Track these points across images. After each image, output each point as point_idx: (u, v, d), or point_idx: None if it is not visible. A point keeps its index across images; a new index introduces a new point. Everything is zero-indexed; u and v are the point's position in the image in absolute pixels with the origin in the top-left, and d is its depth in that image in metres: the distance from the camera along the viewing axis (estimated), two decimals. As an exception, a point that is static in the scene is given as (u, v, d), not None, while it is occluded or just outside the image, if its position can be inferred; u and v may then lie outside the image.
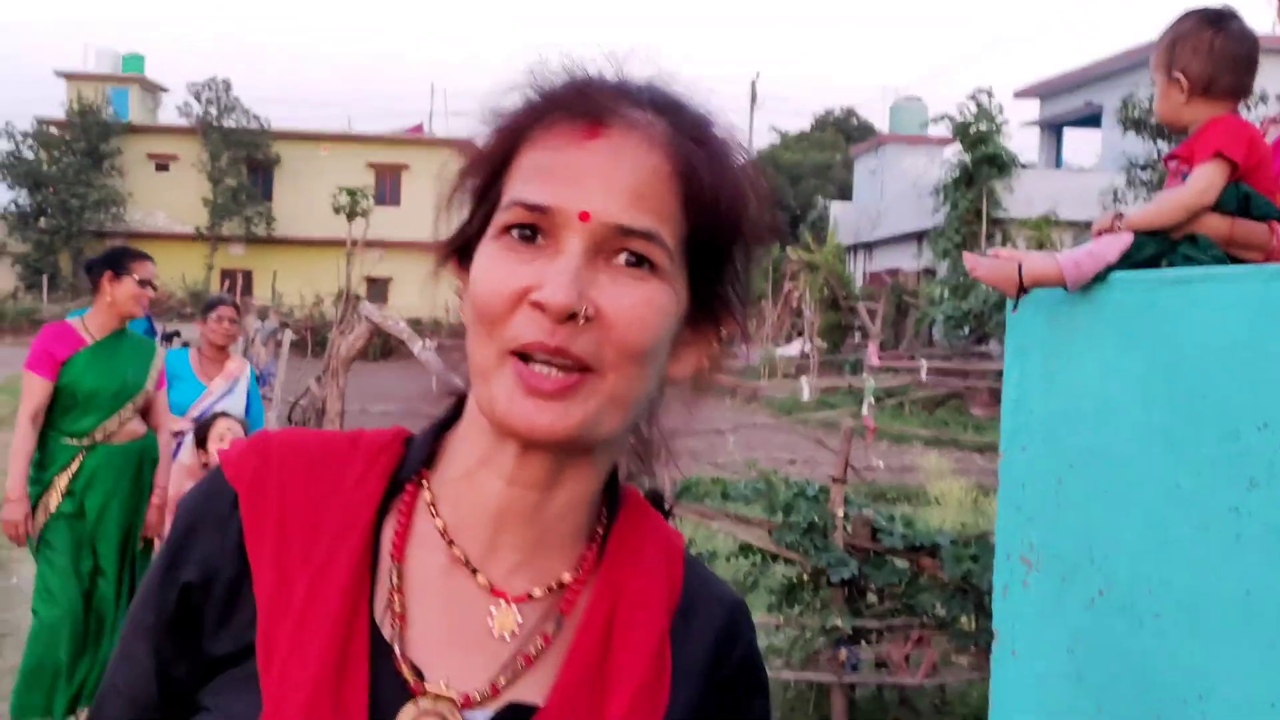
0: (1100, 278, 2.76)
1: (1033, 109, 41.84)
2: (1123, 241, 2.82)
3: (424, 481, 1.12)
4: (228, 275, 50.66)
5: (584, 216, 0.99)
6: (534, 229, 1.01)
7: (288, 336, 10.45)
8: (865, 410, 15.18)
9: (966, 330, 27.70)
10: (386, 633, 1.05)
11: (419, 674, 1.04)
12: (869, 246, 40.00)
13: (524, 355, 0.99)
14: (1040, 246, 26.39)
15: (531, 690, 1.05)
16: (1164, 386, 2.57)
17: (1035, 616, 2.82)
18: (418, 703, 1.02)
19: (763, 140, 56.70)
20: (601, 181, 0.99)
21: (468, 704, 1.03)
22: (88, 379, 5.64)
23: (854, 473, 13.67)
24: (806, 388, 15.49)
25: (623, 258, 1.00)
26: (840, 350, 31.85)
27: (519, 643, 1.07)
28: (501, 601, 1.07)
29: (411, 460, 1.13)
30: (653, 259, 1.01)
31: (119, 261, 5.79)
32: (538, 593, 1.09)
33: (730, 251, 1.08)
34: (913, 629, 6.16)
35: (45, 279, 47.09)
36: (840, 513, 6.16)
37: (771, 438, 16.72)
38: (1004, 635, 2.93)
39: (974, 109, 30.55)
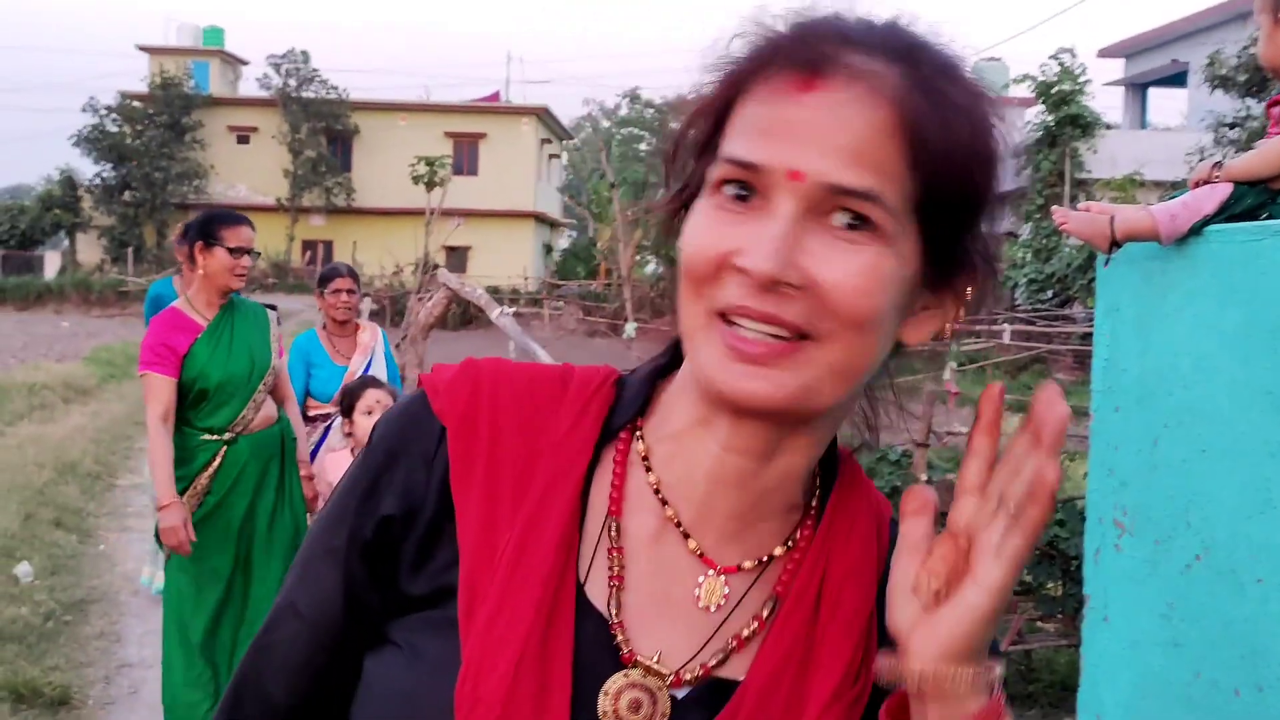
0: (1196, 230, 2.66)
1: (1116, 68, 41.08)
2: (1220, 192, 2.71)
3: (639, 432, 1.07)
4: (309, 246, 51.27)
5: (795, 175, 0.92)
6: (748, 187, 0.95)
7: (368, 305, 10.50)
8: (947, 375, 14.97)
9: (1050, 293, 27.33)
10: (595, 593, 1.01)
11: (628, 642, 1.00)
12: (949, 210, 39.46)
13: (729, 318, 0.93)
14: (1125, 207, 25.92)
15: (737, 668, 1.00)
16: (1264, 342, 2.47)
17: (1128, 581, 2.74)
18: (627, 673, 0.99)
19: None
20: (816, 137, 0.92)
21: (677, 683, 1.00)
22: (215, 369, 5.13)
23: (936, 438, 13.53)
24: (886, 352, 15.43)
25: (840, 219, 0.93)
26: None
27: (727, 618, 1.02)
28: (711, 570, 1.03)
29: (625, 407, 1.08)
30: (874, 220, 0.93)
31: (208, 229, 5.25)
32: (748, 564, 1.04)
33: (970, 211, 0.98)
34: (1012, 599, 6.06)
35: (130, 252, 47.85)
36: (923, 477, 6.08)
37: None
38: (1096, 601, 2.85)
39: (1057, 69, 30.02)
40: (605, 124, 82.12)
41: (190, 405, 5.12)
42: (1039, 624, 6.30)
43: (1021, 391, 20.13)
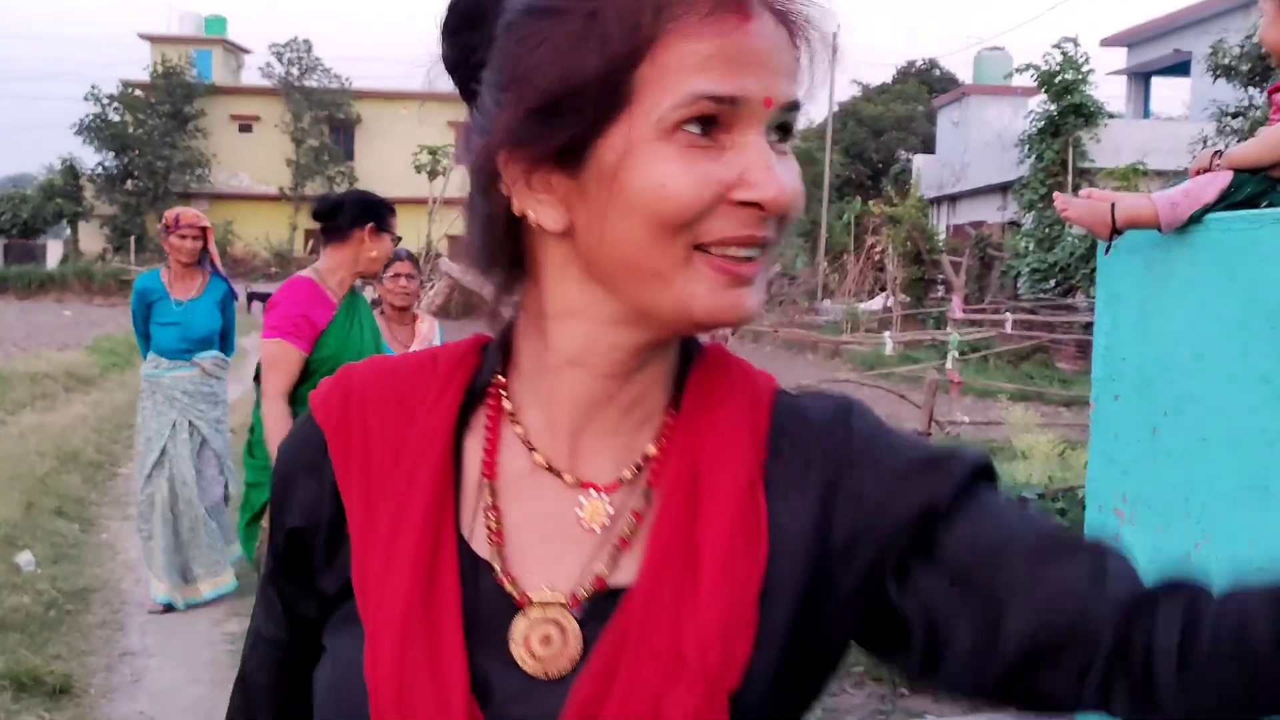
0: (1197, 219, 2.66)
1: (1119, 58, 40.96)
2: (1221, 180, 2.70)
3: (502, 390, 1.08)
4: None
5: (768, 102, 0.95)
6: (713, 122, 0.95)
7: (369, 293, 10.48)
8: (949, 364, 14.98)
9: (1052, 283, 27.28)
10: (481, 549, 1.02)
11: (520, 586, 1.01)
12: (952, 199, 39.42)
13: (706, 248, 0.95)
14: (1128, 197, 25.86)
15: (628, 572, 1.00)
16: (1263, 330, 2.46)
17: (1128, 569, 2.74)
18: (527, 614, 0.99)
19: (844, 93, 56.10)
20: (772, 63, 0.96)
21: (575, 603, 1.00)
22: (347, 351, 4.88)
23: (938, 427, 13.53)
24: (890, 342, 15.25)
25: (775, 134, 0.98)
26: (923, 304, 31.51)
27: (612, 528, 1.02)
28: (591, 491, 1.03)
29: (486, 368, 1.09)
30: (792, 127, 1.00)
31: (380, 213, 5.10)
32: (627, 474, 1.04)
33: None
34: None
35: (132, 241, 47.84)
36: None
37: (854, 393, 16.52)
38: (1095, 589, 2.86)
39: (1059, 58, 29.93)
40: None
41: (310, 384, 4.68)
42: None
43: (1023, 381, 20.12)
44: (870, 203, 37.66)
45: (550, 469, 1.04)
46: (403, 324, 6.32)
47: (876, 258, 34.29)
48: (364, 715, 0.97)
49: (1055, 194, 2.98)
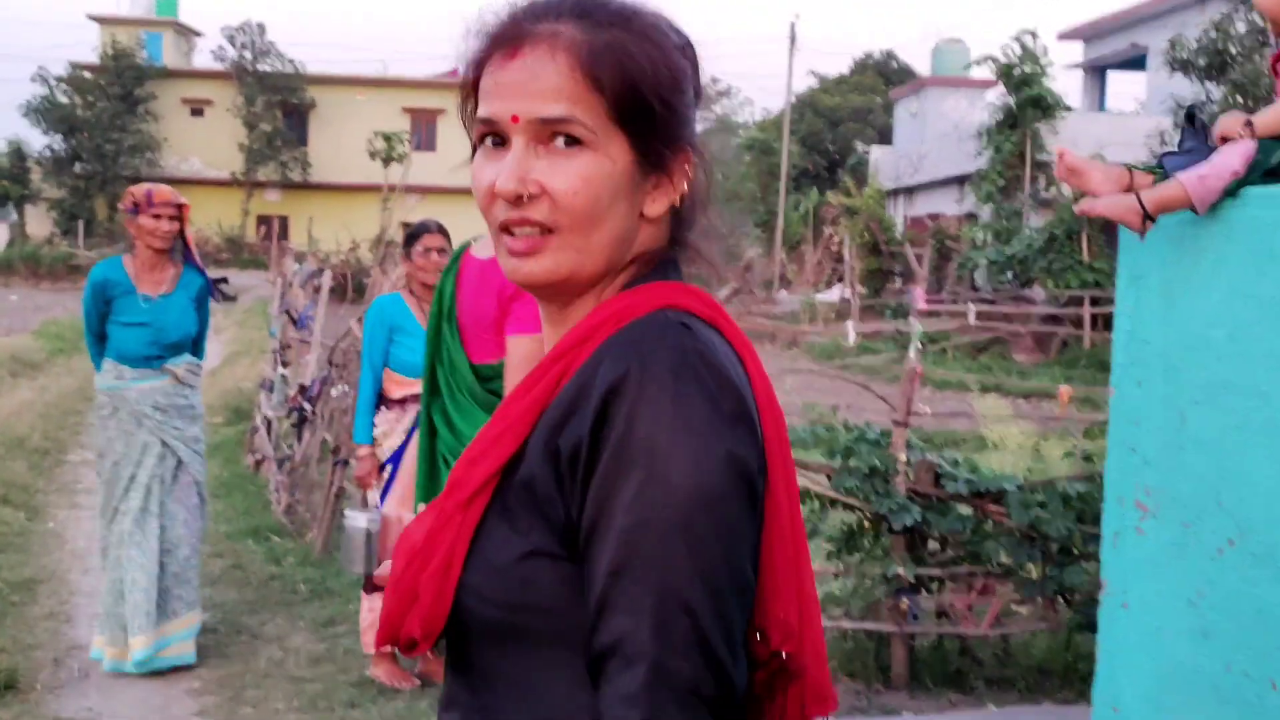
0: (1231, 192, 2.50)
1: (1075, 52, 41.06)
2: (1246, 149, 2.54)
3: None
4: (264, 221, 50.64)
5: (514, 119, 1.30)
6: (499, 137, 1.33)
7: (327, 279, 10.20)
8: (912, 355, 14.86)
9: (1010, 275, 27.27)
10: None
11: None
12: (909, 191, 39.35)
13: (507, 229, 1.33)
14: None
15: None
16: (1303, 313, 2.31)
17: (1151, 566, 2.58)
18: None
19: (801, 84, 55.89)
20: (521, 89, 1.30)
21: None
22: None
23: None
24: (853, 333, 15.11)
25: (559, 141, 1.30)
26: (880, 295, 31.45)
27: None
28: None
29: None
30: (579, 136, 1.29)
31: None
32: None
33: (663, 109, 1.32)
34: (976, 578, 5.93)
35: (81, 225, 47.08)
36: (903, 457, 5.91)
37: (813, 383, 16.42)
38: (1114, 586, 2.69)
39: (1019, 50, 29.92)
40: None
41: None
42: (1016, 607, 6.17)
43: (982, 372, 20.09)
44: (828, 193, 37.59)
45: None
46: (427, 302, 5.58)
47: (834, 249, 34.21)
48: None
49: (1082, 202, 2.77)
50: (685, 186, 1.37)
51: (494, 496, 1.28)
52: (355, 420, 5.90)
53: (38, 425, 12.24)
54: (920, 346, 15.36)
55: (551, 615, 1.24)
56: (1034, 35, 30.15)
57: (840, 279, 32.37)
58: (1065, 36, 40.24)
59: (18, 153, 50.27)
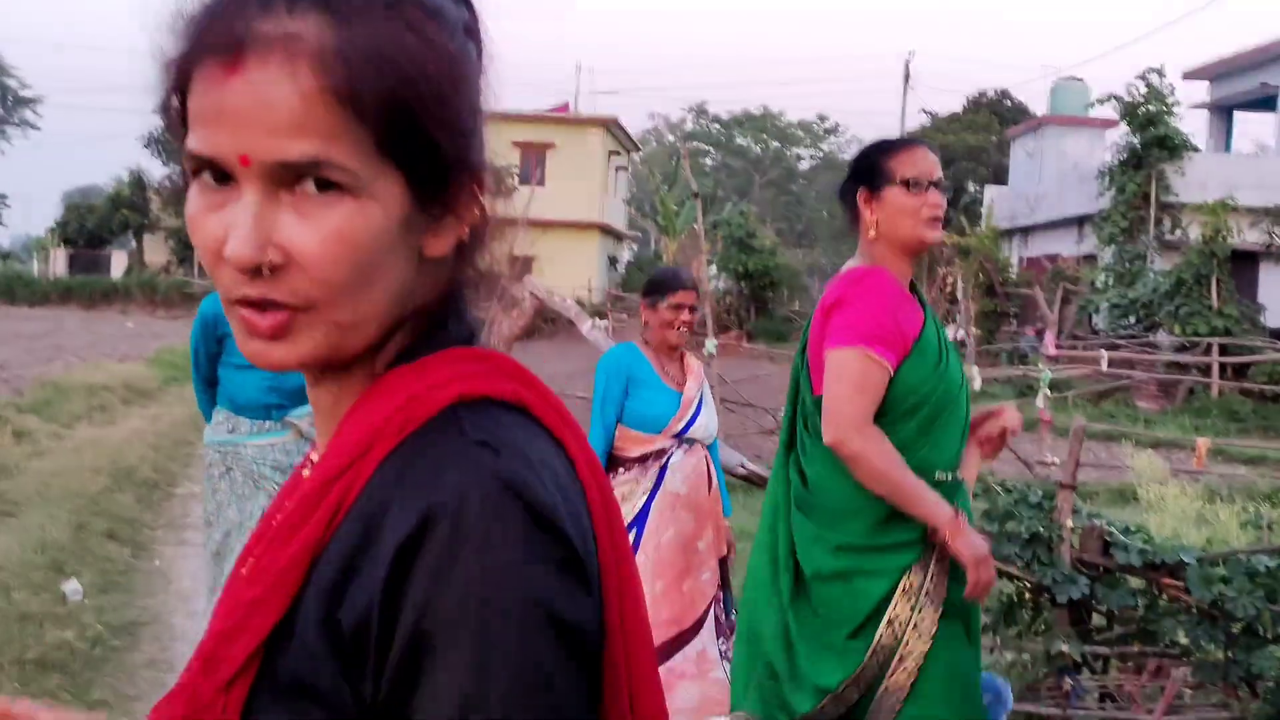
0: None
1: (1200, 91, 40.04)
2: None
3: None
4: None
5: (244, 161, 0.96)
6: (222, 172, 0.98)
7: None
8: (1040, 402, 14.26)
9: (1133, 319, 26.44)
10: None
11: None
12: (1025, 231, 38.50)
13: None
14: (1217, 233, 25.02)
15: None
16: None
17: None
18: None
19: (913, 122, 55.17)
20: (250, 120, 0.95)
21: None
22: (948, 377, 3.46)
23: (1027, 468, 12.81)
24: (978, 377, 14.49)
25: (309, 185, 0.97)
26: (995, 337, 30.68)
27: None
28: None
29: None
30: (337, 179, 0.97)
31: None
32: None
33: (441, 130, 1.01)
34: (1148, 658, 5.39)
35: (195, 253, 47.88)
36: (1069, 523, 5.41)
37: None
38: None
39: (1143, 89, 29.13)
40: (670, 138, 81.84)
41: (901, 433, 3.38)
42: (1192, 693, 5.62)
43: (1106, 420, 19.31)
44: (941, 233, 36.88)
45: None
46: (672, 359, 5.29)
47: (948, 289, 33.50)
48: None
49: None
50: (476, 215, 1.09)
51: (261, 673, 0.98)
52: None
53: (148, 456, 12.09)
54: (1049, 394, 14.75)
55: None
56: (1160, 73, 29.39)
57: (954, 320, 31.64)
58: (1190, 76, 39.32)
59: (138, 182, 51.33)
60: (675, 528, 5.03)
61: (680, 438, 5.12)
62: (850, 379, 3.31)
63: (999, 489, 5.61)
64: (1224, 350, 22.45)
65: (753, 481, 5.56)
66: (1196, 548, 5.61)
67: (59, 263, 49.95)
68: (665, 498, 5.00)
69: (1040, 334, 22.52)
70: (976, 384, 20.31)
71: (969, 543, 3.26)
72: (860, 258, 3.57)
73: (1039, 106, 46.43)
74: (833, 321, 3.40)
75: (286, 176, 0.96)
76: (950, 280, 33.17)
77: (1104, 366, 19.12)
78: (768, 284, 40.48)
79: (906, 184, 3.42)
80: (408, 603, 0.92)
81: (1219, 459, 14.91)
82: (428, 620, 0.92)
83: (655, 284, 5.27)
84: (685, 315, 5.11)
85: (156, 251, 50.74)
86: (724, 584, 5.24)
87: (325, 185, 0.96)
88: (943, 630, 3.38)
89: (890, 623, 3.35)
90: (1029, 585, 5.47)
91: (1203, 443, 13.30)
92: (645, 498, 5.04)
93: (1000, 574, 5.54)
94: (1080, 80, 41.71)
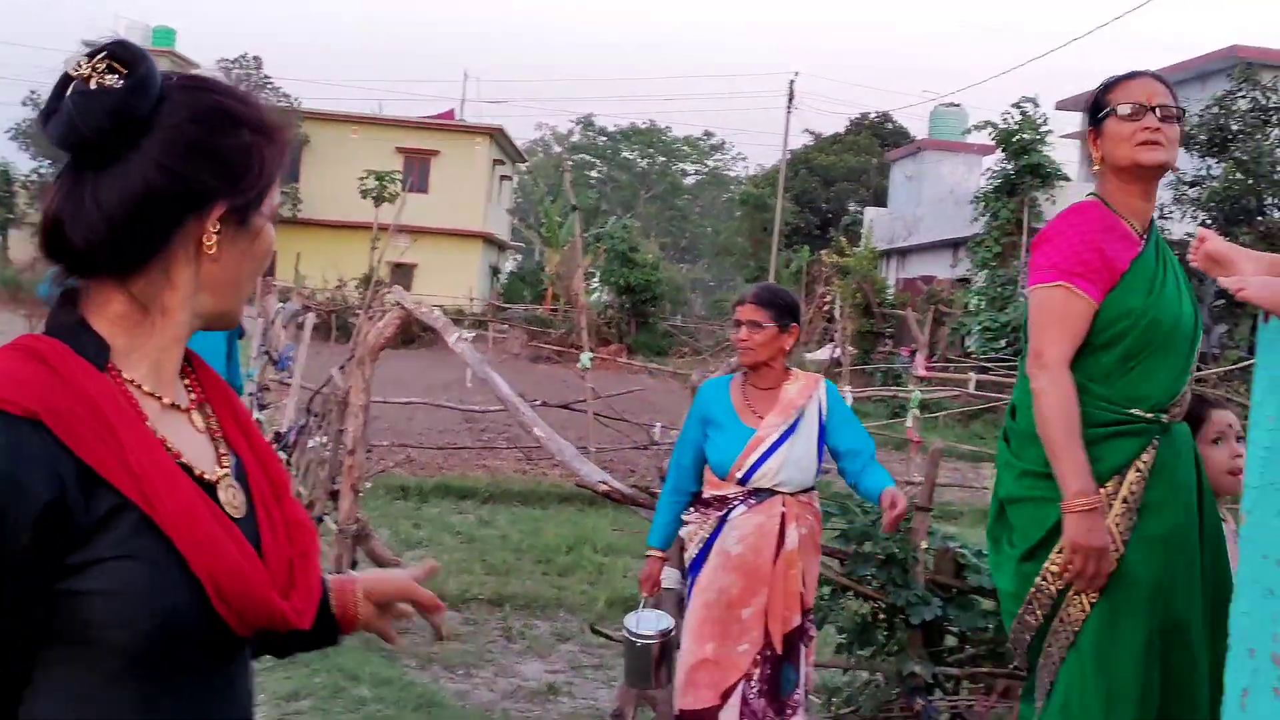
0: None
1: (1072, 121, 41.03)
2: None
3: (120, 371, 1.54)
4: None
5: None
6: None
7: (310, 321, 9.78)
8: (910, 422, 14.46)
9: (1003, 342, 26.96)
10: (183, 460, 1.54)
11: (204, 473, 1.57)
12: (902, 253, 39.17)
13: None
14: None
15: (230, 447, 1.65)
16: None
17: (1288, 733, 2.14)
18: (221, 487, 1.58)
19: (797, 142, 55.73)
20: None
21: (225, 470, 1.61)
22: (1165, 308, 3.42)
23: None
24: (850, 395, 14.60)
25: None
26: (870, 357, 31.11)
27: (206, 427, 1.64)
28: (192, 412, 1.62)
29: (96, 355, 1.51)
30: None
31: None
32: (193, 397, 1.64)
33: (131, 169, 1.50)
34: (999, 679, 5.47)
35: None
36: (924, 544, 5.47)
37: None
38: (1239, 752, 2.24)
39: (1018, 117, 29.81)
40: (557, 149, 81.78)
41: (1101, 361, 3.40)
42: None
43: (975, 442, 19.65)
44: (820, 252, 37.33)
45: (172, 405, 1.58)
46: (761, 387, 4.74)
47: (825, 308, 33.89)
48: (184, 603, 1.44)
49: (1231, 279, 2.34)
50: (201, 225, 1.58)
51: None
52: (655, 516, 4.95)
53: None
54: (918, 414, 14.96)
55: None
56: (1034, 103, 30.09)
57: (831, 339, 32.00)
58: (1063, 106, 40.25)
59: (4, 176, 49.86)
60: (719, 588, 4.59)
61: (745, 484, 4.60)
62: (1050, 315, 3.35)
63: (858, 510, 5.64)
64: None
65: (612, 499, 5.49)
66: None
67: (-80, 257, 48.36)
68: (718, 554, 4.61)
69: (913, 354, 22.92)
70: (849, 402, 20.65)
71: (1082, 528, 3.22)
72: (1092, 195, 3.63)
73: (919, 130, 47.20)
74: (1034, 259, 3.47)
75: None
76: (829, 299, 33.57)
77: (972, 389, 19.44)
78: (649, 298, 40.60)
79: (1121, 113, 3.47)
80: None
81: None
82: None
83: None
84: (744, 333, 4.66)
85: (23, 248, 49.35)
86: (784, 658, 4.63)
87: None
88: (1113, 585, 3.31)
89: (1061, 550, 3.32)
90: (884, 606, 5.52)
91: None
92: (699, 548, 4.67)
93: (855, 594, 5.59)
94: (958, 106, 42.57)
